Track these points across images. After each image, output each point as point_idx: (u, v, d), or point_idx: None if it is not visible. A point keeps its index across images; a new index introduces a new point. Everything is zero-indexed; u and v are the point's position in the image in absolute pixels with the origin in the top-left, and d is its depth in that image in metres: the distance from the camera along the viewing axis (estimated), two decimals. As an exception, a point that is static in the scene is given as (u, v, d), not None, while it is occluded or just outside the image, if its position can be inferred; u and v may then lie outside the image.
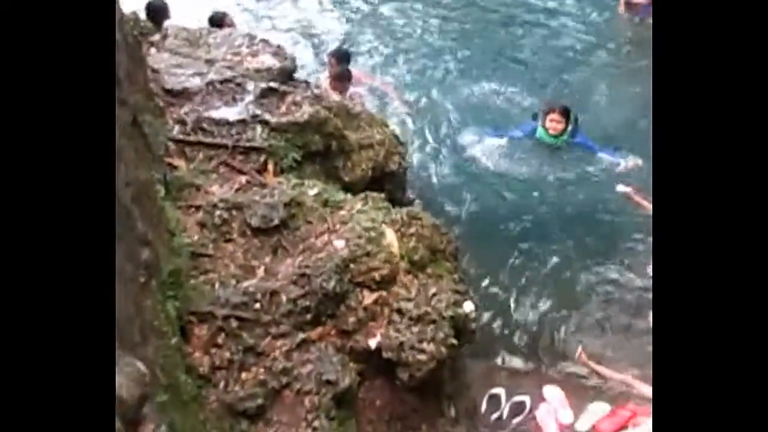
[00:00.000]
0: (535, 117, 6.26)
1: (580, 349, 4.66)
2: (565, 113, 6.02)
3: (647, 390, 4.35)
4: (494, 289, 5.18)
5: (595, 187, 5.96)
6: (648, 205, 5.08)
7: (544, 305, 5.07)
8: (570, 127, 6.05)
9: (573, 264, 5.35)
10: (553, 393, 4.40)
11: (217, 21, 6.29)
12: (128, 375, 1.91)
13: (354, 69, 6.90)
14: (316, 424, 3.17)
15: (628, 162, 6.00)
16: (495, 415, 4.20)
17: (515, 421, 4.18)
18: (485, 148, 6.24)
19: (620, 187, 5.45)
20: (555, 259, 5.39)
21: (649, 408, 4.31)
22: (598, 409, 4.33)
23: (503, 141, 6.25)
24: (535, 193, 5.99)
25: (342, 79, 6.35)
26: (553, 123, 6.00)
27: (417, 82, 7.30)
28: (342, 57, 6.78)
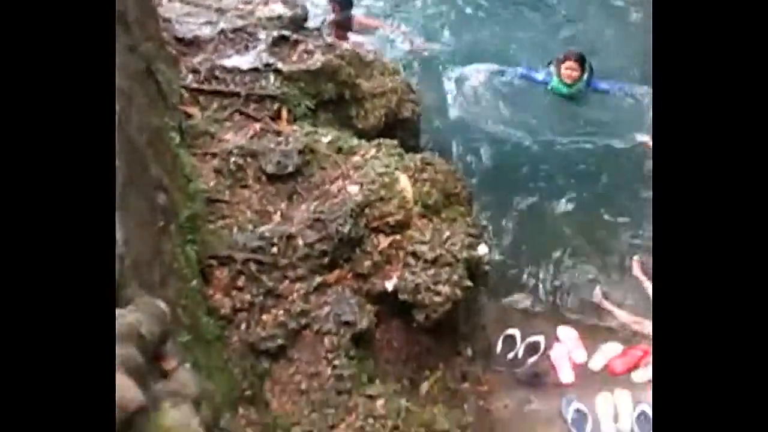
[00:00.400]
0: (550, 64, 6.18)
1: (597, 288, 4.72)
2: (581, 61, 5.94)
3: None
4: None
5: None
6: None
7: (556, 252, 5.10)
8: (585, 75, 5.98)
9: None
10: (567, 333, 4.46)
11: None
12: (148, 312, 1.96)
13: (362, 15, 6.83)
14: (335, 362, 3.25)
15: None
16: (510, 355, 4.27)
17: (530, 360, 4.25)
18: (495, 86, 6.21)
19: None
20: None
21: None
22: (610, 349, 4.39)
23: (515, 78, 6.23)
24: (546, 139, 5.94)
25: (342, 27, 6.29)
26: (569, 71, 5.92)
27: (429, 26, 7.20)
28: (344, 2, 6.69)
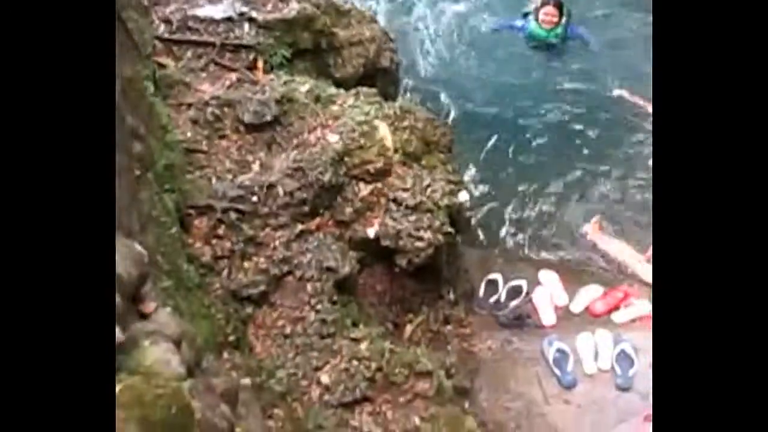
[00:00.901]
0: (526, 15, 6.14)
1: (597, 218, 4.75)
2: (559, 6, 5.91)
3: (645, 270, 4.47)
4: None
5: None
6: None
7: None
8: (564, 20, 5.95)
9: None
10: (548, 277, 4.51)
11: None
12: (125, 255, 1.94)
13: None
14: (319, 307, 3.28)
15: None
16: (493, 298, 4.32)
17: (512, 303, 4.30)
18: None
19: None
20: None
21: (641, 290, 4.44)
22: (591, 291, 4.45)
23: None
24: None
25: None
26: (548, 16, 5.90)
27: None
28: None
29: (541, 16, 5.91)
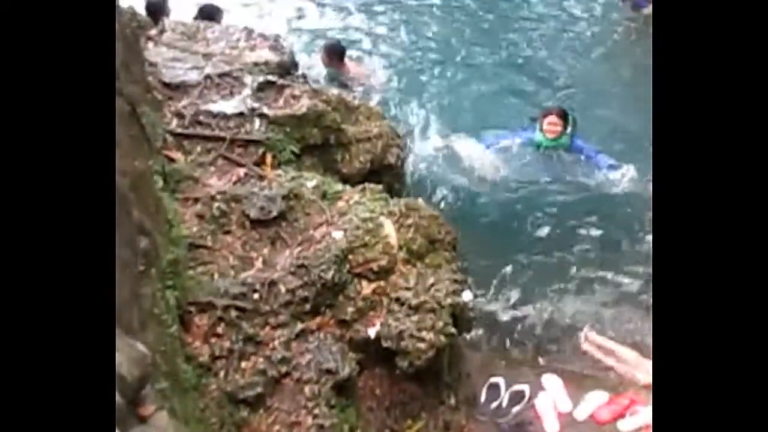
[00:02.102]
0: (533, 120, 6.23)
1: (586, 329, 4.67)
2: (563, 116, 6.01)
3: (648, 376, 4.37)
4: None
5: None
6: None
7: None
8: (569, 129, 6.03)
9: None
10: (552, 382, 4.41)
11: (208, 14, 6.31)
12: (128, 354, 1.92)
13: (354, 64, 6.98)
14: (316, 411, 3.19)
15: (624, 171, 5.98)
16: (495, 404, 4.21)
17: (515, 409, 4.19)
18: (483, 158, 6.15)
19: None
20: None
21: (647, 397, 4.34)
22: (596, 398, 4.34)
23: (505, 145, 6.20)
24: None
25: (333, 55, 6.65)
26: (551, 126, 5.97)
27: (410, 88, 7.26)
28: (333, 51, 6.90)
29: (545, 126, 5.99)
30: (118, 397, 1.72)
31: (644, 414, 4.24)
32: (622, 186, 5.90)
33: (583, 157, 6.10)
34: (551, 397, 4.33)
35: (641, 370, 4.43)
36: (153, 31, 4.69)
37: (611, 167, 6.03)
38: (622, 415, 4.27)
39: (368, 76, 7.23)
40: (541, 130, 6.01)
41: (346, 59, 7.05)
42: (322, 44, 7.23)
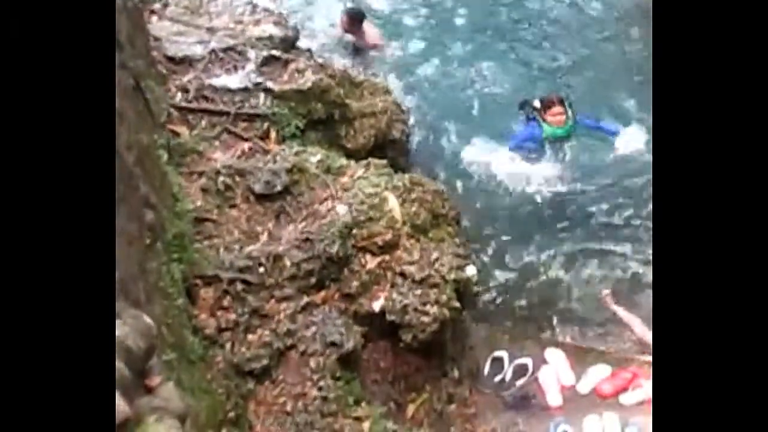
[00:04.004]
0: (522, 107, 6.01)
1: (607, 291, 4.70)
2: (563, 103, 5.84)
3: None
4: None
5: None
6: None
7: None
8: (570, 113, 5.86)
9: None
10: (555, 356, 4.43)
11: None
12: (134, 326, 1.93)
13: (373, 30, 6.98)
14: (321, 383, 3.23)
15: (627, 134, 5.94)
16: (498, 377, 4.24)
17: (518, 383, 4.22)
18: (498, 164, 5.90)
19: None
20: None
21: (649, 371, 4.36)
22: (599, 372, 4.37)
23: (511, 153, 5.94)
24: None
25: (354, 20, 6.49)
26: (557, 117, 5.80)
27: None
28: (355, 16, 6.87)
29: (550, 119, 5.82)
30: (125, 368, 1.74)
31: (646, 388, 4.26)
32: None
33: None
34: (554, 370, 4.36)
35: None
36: (157, 5, 4.65)
37: (615, 130, 6.04)
38: (624, 389, 4.30)
39: (384, 45, 7.19)
40: (545, 121, 5.82)
41: (365, 24, 7.03)
42: (342, 8, 7.17)
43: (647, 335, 4.35)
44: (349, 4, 7.25)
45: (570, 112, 5.87)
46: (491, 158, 5.86)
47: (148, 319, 2.07)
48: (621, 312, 4.52)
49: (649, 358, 4.45)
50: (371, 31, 7.12)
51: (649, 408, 4.12)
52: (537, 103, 5.90)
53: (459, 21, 7.38)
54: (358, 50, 6.92)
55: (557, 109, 5.82)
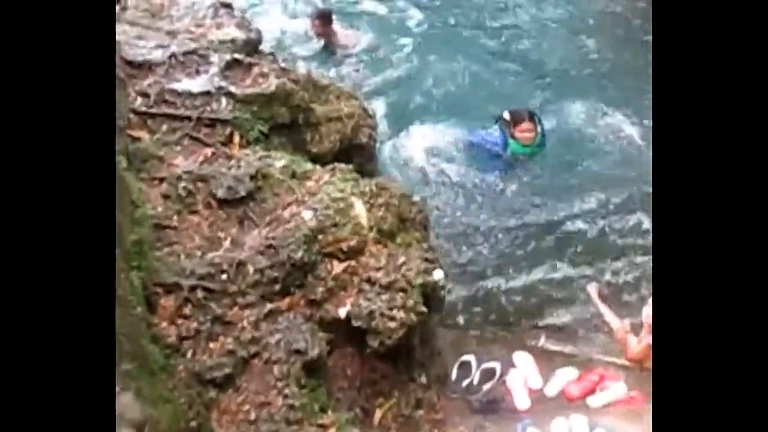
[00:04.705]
0: (497, 121, 5.79)
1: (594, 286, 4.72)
2: (533, 119, 5.62)
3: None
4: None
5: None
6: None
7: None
8: (538, 129, 5.67)
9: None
10: (522, 359, 4.44)
11: None
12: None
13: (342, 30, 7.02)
14: (286, 391, 3.17)
15: None
16: (466, 381, 4.24)
17: (486, 387, 4.22)
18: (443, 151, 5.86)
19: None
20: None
21: (616, 373, 4.39)
22: (566, 374, 4.39)
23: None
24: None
25: (324, 18, 6.71)
26: (525, 133, 5.57)
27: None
28: (326, 16, 6.97)
29: (518, 134, 5.58)
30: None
31: (614, 390, 4.30)
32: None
33: None
34: (522, 373, 4.37)
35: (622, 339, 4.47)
36: (116, 9, 4.57)
37: None
38: (592, 391, 4.32)
39: (356, 44, 7.21)
40: (513, 137, 5.60)
41: (334, 25, 7.07)
42: (310, 12, 7.18)
43: (629, 339, 4.38)
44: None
45: (539, 128, 5.65)
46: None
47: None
48: (603, 309, 4.54)
49: (616, 360, 4.48)
50: (342, 30, 7.15)
51: (617, 409, 4.16)
52: (507, 116, 5.66)
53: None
54: (332, 52, 6.94)
55: (526, 125, 5.57)
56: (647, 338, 4.33)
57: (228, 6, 6.15)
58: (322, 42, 7.05)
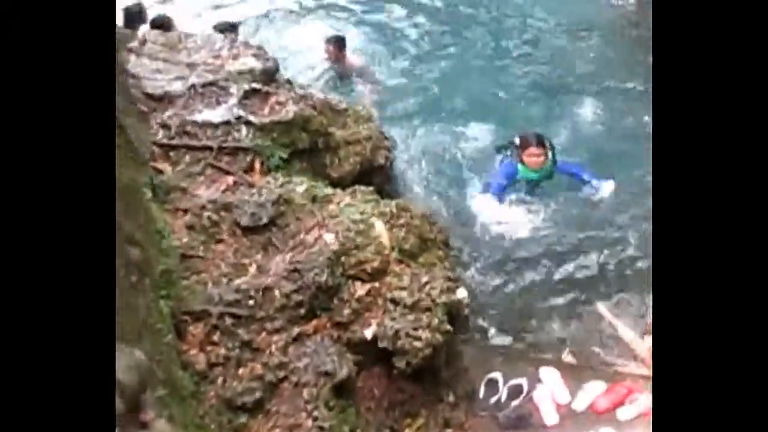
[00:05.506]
0: (499, 150, 5.85)
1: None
2: (542, 143, 5.53)
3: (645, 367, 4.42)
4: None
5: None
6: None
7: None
8: (550, 155, 5.56)
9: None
10: (549, 374, 4.42)
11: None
12: (126, 361, 1.93)
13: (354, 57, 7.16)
14: (316, 414, 3.20)
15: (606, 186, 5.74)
16: (494, 399, 4.22)
17: (513, 403, 4.20)
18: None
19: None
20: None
21: (645, 385, 4.36)
22: (594, 388, 4.35)
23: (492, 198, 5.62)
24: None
25: (341, 47, 6.90)
26: (533, 158, 5.48)
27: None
28: (339, 42, 7.15)
29: (526, 159, 5.52)
30: (119, 403, 1.74)
31: (643, 401, 4.26)
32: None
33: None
34: (549, 389, 4.34)
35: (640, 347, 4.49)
36: (134, 43, 4.69)
37: (594, 182, 5.72)
38: (621, 403, 4.28)
39: (368, 68, 7.33)
40: (522, 162, 5.53)
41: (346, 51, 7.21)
42: (326, 38, 7.31)
43: (640, 349, 4.39)
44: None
45: (550, 154, 5.57)
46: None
47: (139, 353, 2.07)
48: (616, 322, 4.57)
49: (644, 371, 4.46)
50: (353, 56, 7.27)
51: (646, 420, 4.12)
52: (516, 140, 5.64)
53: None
54: (341, 78, 7.05)
55: (535, 149, 5.51)
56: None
57: (234, 27, 6.35)
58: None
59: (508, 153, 5.78)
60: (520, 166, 5.60)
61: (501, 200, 5.60)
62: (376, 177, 4.95)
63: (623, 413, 4.23)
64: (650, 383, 4.34)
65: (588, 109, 6.90)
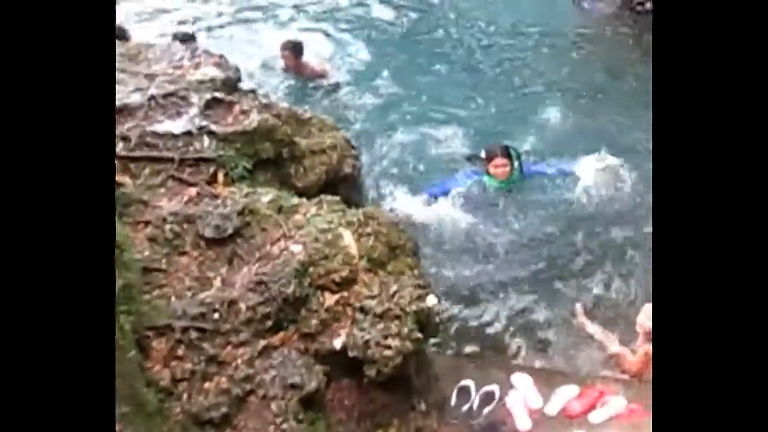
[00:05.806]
0: (470, 159, 6.02)
1: (579, 306, 4.77)
2: (508, 154, 5.75)
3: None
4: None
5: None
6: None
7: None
8: (515, 164, 5.79)
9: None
10: (521, 380, 4.41)
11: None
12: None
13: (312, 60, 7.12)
14: (284, 426, 3.14)
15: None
16: (466, 406, 4.19)
17: (486, 410, 4.17)
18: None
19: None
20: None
21: (616, 387, 4.37)
22: (566, 392, 4.35)
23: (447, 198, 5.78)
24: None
25: (298, 53, 6.93)
26: (499, 169, 5.72)
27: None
28: (296, 48, 7.10)
29: (492, 170, 5.74)
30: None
31: (614, 404, 4.27)
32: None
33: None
34: (522, 394, 4.32)
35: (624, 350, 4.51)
36: (93, 56, 4.59)
37: (565, 171, 5.93)
38: (593, 407, 4.28)
39: (327, 71, 7.30)
40: (488, 173, 5.76)
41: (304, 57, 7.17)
42: (281, 44, 7.26)
43: (623, 351, 4.40)
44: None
45: (515, 164, 5.78)
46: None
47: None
48: (591, 327, 4.58)
49: (616, 374, 4.47)
50: (313, 60, 7.24)
51: (618, 423, 4.13)
52: (483, 154, 5.83)
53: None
54: (303, 81, 7.02)
55: (500, 160, 5.71)
56: (644, 346, 4.35)
57: (192, 38, 6.28)
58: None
59: (476, 164, 5.95)
60: (485, 177, 5.79)
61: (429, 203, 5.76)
62: (343, 186, 4.90)
63: (595, 416, 4.23)
64: (620, 385, 4.36)
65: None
